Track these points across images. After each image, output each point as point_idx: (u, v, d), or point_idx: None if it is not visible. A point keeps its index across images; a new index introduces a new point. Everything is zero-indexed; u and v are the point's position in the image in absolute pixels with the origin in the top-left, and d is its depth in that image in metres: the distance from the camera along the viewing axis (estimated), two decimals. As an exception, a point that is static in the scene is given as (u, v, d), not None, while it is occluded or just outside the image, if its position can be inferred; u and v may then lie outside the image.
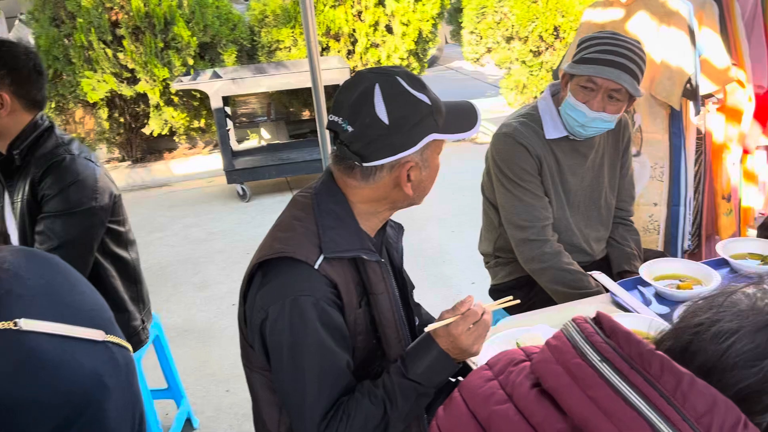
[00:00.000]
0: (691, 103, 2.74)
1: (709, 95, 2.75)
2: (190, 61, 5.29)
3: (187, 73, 5.27)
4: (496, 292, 2.21)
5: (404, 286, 1.48)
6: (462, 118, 1.32)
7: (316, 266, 1.24)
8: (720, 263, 1.77)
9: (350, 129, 1.24)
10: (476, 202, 2.20)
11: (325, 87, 3.24)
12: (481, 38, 6.39)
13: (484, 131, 5.62)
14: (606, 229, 2.11)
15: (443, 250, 4.15)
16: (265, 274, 1.26)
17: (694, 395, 0.69)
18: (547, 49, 5.91)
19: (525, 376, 0.86)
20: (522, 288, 2.10)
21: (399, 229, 1.49)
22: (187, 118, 5.59)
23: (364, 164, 1.25)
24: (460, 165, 4.83)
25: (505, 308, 1.64)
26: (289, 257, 1.23)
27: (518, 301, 1.42)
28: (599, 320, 0.82)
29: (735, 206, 3.01)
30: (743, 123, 2.81)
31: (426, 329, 1.30)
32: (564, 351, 0.81)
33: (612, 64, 1.79)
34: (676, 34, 2.63)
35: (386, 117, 1.22)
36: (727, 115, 2.83)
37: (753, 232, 3.48)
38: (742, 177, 3.06)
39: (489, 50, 6.25)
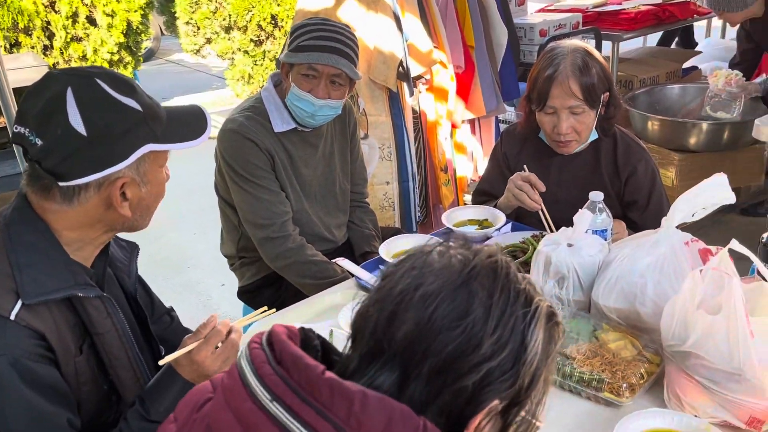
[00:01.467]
0: (405, 85, 2.94)
1: (419, 77, 2.97)
2: None
3: None
4: (245, 294, 2.12)
5: (141, 314, 1.31)
6: (187, 124, 1.17)
7: (12, 317, 1.02)
8: (447, 232, 1.92)
9: (39, 142, 1.04)
10: (216, 201, 2.08)
11: (21, 89, 2.79)
12: (198, 29, 6.13)
13: (216, 125, 5.42)
14: (345, 215, 2.15)
15: (187, 255, 3.92)
16: None
17: (369, 416, 0.67)
18: (267, 38, 5.89)
19: (206, 427, 0.76)
20: (271, 286, 2.05)
21: (131, 248, 1.31)
22: None
23: (62, 184, 1.06)
24: (195, 161, 4.59)
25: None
26: None
27: (272, 312, 1.35)
28: (271, 341, 0.75)
29: (452, 176, 3.33)
30: (449, 101, 3.10)
31: (161, 361, 1.17)
32: (235, 392, 0.73)
33: (329, 49, 1.80)
34: (383, 20, 2.78)
35: (83, 127, 1.04)
36: (435, 95, 3.09)
37: (468, 197, 3.91)
38: (454, 149, 3.39)
39: (209, 41, 6.02)
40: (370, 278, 1.65)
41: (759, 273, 1.16)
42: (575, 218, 1.42)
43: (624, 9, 3.90)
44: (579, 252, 1.41)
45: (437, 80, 3.04)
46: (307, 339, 0.81)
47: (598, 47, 3.73)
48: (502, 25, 3.35)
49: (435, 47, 2.92)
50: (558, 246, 1.43)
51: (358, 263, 1.86)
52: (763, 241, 1.21)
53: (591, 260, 1.40)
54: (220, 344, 1.20)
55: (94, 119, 1.05)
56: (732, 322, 1.06)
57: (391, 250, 1.77)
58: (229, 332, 1.21)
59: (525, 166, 1.90)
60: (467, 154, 3.51)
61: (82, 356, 1.12)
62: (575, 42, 1.84)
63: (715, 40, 5.24)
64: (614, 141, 1.92)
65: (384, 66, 2.83)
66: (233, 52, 6.00)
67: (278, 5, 5.74)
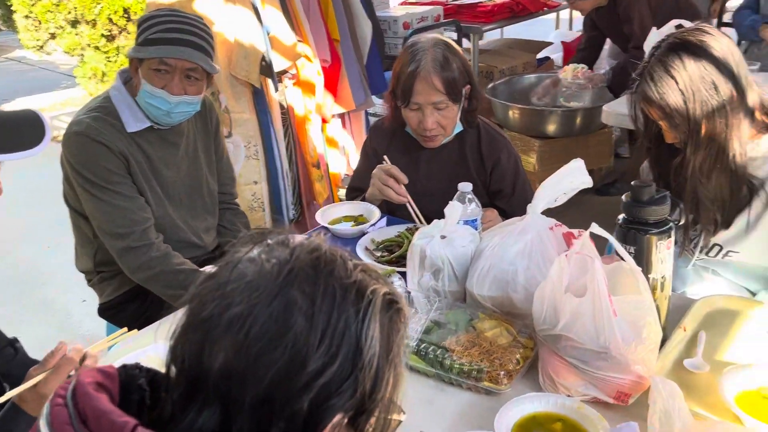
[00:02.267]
0: (269, 80, 2.85)
1: (284, 71, 2.89)
2: None
3: None
4: (106, 311, 1.95)
5: None
6: (19, 132, 1.04)
7: None
8: (323, 230, 1.87)
9: None
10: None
11: None
12: (40, 23, 5.61)
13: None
14: (213, 218, 2.04)
15: (41, 271, 3.58)
16: None
17: None
18: (120, 32, 5.51)
19: None
20: (135, 300, 1.90)
21: None
22: None
23: None
24: (46, 167, 4.19)
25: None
26: None
27: (134, 332, 1.24)
28: (75, 395, 0.65)
29: (324, 172, 3.28)
30: (317, 95, 3.05)
31: (2, 398, 1.03)
32: None
33: (181, 42, 1.69)
34: (242, 12, 2.67)
35: None
36: (302, 89, 3.02)
37: (342, 192, 3.88)
38: (326, 144, 3.34)
39: (53, 36, 5.53)
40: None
41: (616, 252, 1.22)
42: (446, 210, 1.43)
43: (481, 2, 4.05)
44: (452, 243, 1.41)
45: (304, 74, 2.97)
46: (129, 380, 0.70)
47: (460, 39, 3.84)
48: (366, 19, 3.35)
49: (299, 41, 2.86)
50: (432, 238, 1.43)
51: None
52: (619, 222, 1.28)
53: (464, 251, 1.41)
54: (74, 372, 1.08)
55: None
56: (597, 303, 1.10)
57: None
58: (83, 359, 1.09)
59: (386, 158, 1.90)
60: (339, 149, 3.48)
61: None
62: (435, 36, 1.86)
63: (563, 31, 5.58)
64: (478, 132, 1.97)
65: (245, 61, 2.72)
66: (83, 48, 5.56)
67: (129, -3, 5.39)
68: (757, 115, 1.49)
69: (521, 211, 1.86)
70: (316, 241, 0.72)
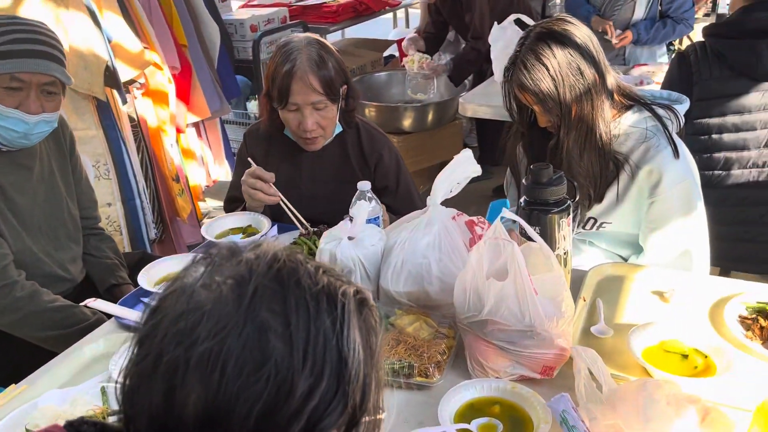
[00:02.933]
0: (115, 92, 2.63)
1: (132, 81, 2.68)
2: None
3: None
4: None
5: None
6: None
7: None
8: (209, 247, 1.75)
9: None
10: None
11: None
12: None
13: None
14: (78, 246, 1.84)
15: None
16: None
17: None
18: None
19: None
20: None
21: None
22: None
23: None
24: None
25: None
26: None
27: (23, 388, 1.07)
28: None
29: (185, 185, 3.10)
30: (170, 104, 2.86)
31: None
32: None
33: (33, 54, 1.50)
34: (78, 17, 2.43)
35: None
36: (153, 99, 2.82)
37: (205, 205, 3.70)
38: (182, 156, 3.16)
39: None
40: (134, 315, 1.42)
41: (523, 234, 1.27)
42: (353, 211, 1.40)
43: (325, 2, 4.05)
44: (361, 243, 1.39)
45: (153, 83, 2.78)
46: None
47: (308, 41, 3.82)
48: (213, 22, 3.22)
49: (146, 47, 2.66)
50: (340, 241, 1.40)
51: (109, 300, 1.60)
52: (522, 205, 1.34)
53: (374, 249, 1.40)
54: None
55: None
56: (519, 284, 1.14)
57: (152, 277, 1.55)
58: None
59: (250, 160, 1.83)
60: (197, 160, 3.32)
61: None
62: (308, 35, 1.82)
63: (401, 30, 5.76)
64: (357, 131, 1.96)
65: (86, 72, 2.48)
66: None
67: None
68: (616, 96, 1.63)
69: (407, 205, 1.90)
70: (269, 249, 0.65)
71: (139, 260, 2.05)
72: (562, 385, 1.19)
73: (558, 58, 1.51)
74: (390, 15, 5.69)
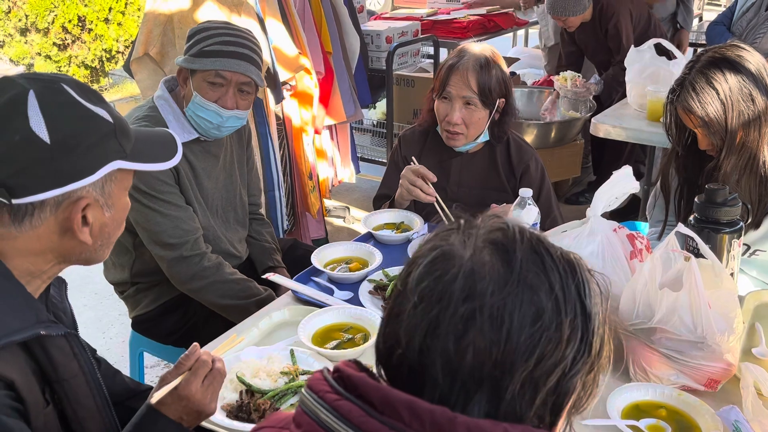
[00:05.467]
0: (268, 91, 2.84)
1: (284, 83, 2.89)
2: None
3: None
4: (142, 324, 1.89)
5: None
6: (157, 146, 1.04)
7: None
8: (366, 238, 1.89)
9: None
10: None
11: None
12: (-14, 31, 5.34)
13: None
14: (245, 229, 2.02)
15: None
16: None
17: None
18: (74, 41, 5.31)
19: None
20: (175, 312, 1.85)
21: (59, 283, 1.10)
22: None
23: (15, 201, 0.88)
24: None
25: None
26: None
27: (242, 339, 1.23)
28: (344, 378, 0.68)
29: (316, 183, 3.29)
30: (314, 106, 3.06)
31: (150, 401, 1.01)
32: None
33: (237, 55, 1.68)
34: (249, 23, 2.66)
35: (46, 133, 0.88)
36: (299, 100, 3.03)
37: (329, 203, 3.89)
38: (316, 155, 3.35)
39: (1, 44, 5.26)
40: (310, 291, 1.57)
41: (691, 250, 1.32)
42: (523, 214, 1.49)
43: (456, 18, 4.17)
44: (527, 246, 1.47)
45: (301, 86, 2.98)
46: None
47: (437, 53, 3.95)
48: (355, 32, 3.40)
49: (299, 53, 2.87)
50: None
51: (260, 281, 1.78)
52: (692, 222, 1.38)
53: (538, 253, 1.47)
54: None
55: (60, 126, 0.90)
56: (693, 296, 1.19)
57: (323, 259, 1.70)
58: (214, 362, 1.08)
59: (414, 159, 1.95)
60: (327, 160, 3.50)
61: (49, 407, 0.93)
62: (484, 46, 1.94)
63: (519, 48, 5.81)
64: (507, 141, 2.05)
65: (250, 71, 2.70)
66: (32, 57, 5.32)
67: (86, 5, 5.20)
68: (784, 125, 1.63)
69: (546, 215, 1.97)
70: (505, 224, 0.74)
71: (290, 246, 2.22)
72: (725, 399, 1.22)
73: (730, 84, 1.54)
74: (511, 33, 5.74)
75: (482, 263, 0.70)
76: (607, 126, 2.92)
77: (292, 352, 1.33)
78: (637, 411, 1.20)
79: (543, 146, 3.77)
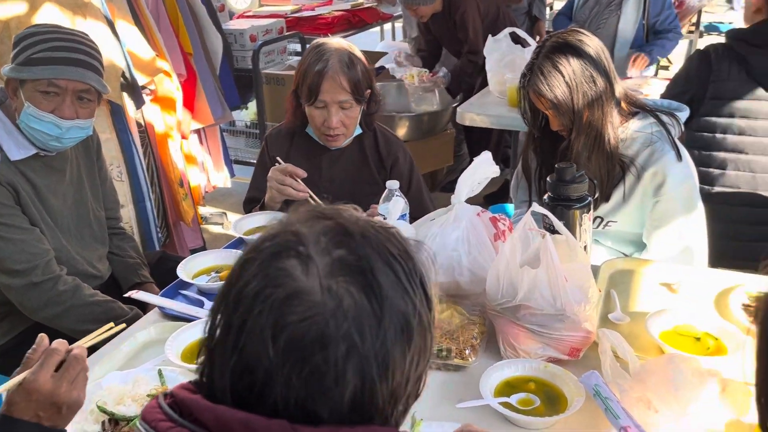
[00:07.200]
0: (126, 97, 2.68)
1: (143, 87, 2.74)
2: None
3: None
4: (-3, 359, 1.72)
5: None
6: None
7: None
8: (237, 244, 1.83)
9: None
10: None
11: None
12: None
13: None
14: (104, 245, 1.89)
15: None
16: None
17: None
18: None
19: None
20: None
21: None
22: None
23: None
24: None
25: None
26: None
27: (121, 327, 1.17)
28: (179, 403, 0.64)
29: (188, 190, 3.16)
30: (177, 111, 2.93)
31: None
32: None
33: (71, 61, 1.57)
34: (96, 25, 2.49)
35: None
36: (161, 105, 2.89)
37: (204, 210, 3.75)
38: (185, 161, 3.21)
39: None
40: (178, 306, 1.49)
41: (547, 227, 1.38)
42: (390, 206, 1.50)
43: (320, 14, 4.15)
44: (396, 238, 1.48)
45: (162, 90, 2.84)
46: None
47: (303, 50, 3.92)
48: (216, 32, 3.29)
49: (156, 55, 2.73)
50: (375, 236, 1.49)
51: (123, 300, 1.68)
52: (546, 201, 1.44)
53: (407, 244, 1.49)
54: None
55: None
56: (551, 272, 1.25)
57: (191, 270, 1.62)
58: (70, 351, 1.01)
59: (278, 158, 1.91)
60: (198, 165, 3.37)
61: None
62: (340, 41, 1.92)
63: (388, 42, 5.88)
64: (375, 135, 2.06)
65: (105, 77, 2.53)
66: None
67: None
68: (623, 104, 1.75)
69: (417, 205, 2.00)
70: (360, 229, 0.69)
71: (159, 259, 2.11)
72: (588, 366, 1.29)
73: (573, 67, 1.63)
74: (378, 28, 5.81)
75: (340, 300, 0.63)
76: (472, 114, 3.02)
77: (160, 372, 1.26)
78: (508, 387, 1.24)
79: (415, 137, 3.85)
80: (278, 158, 1.91)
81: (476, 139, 4.06)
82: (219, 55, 3.33)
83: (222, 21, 3.71)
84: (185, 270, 1.60)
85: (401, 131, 3.78)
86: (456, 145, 4.50)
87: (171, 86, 2.84)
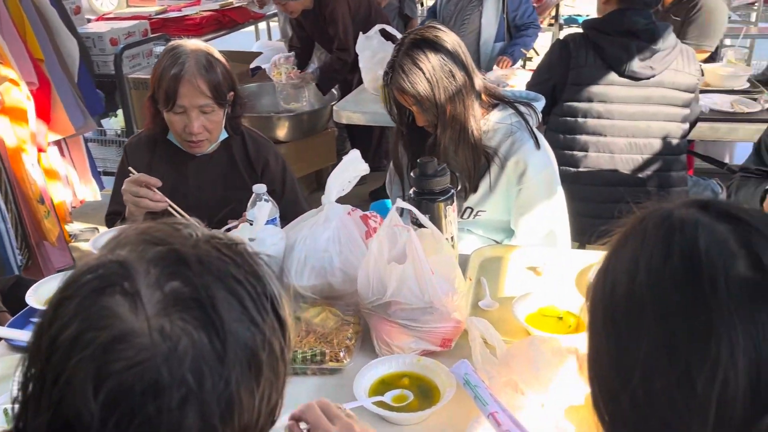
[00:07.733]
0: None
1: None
2: None
3: None
4: None
5: None
6: None
7: None
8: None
9: None
10: None
11: None
12: None
13: None
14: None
15: None
16: None
17: None
18: None
19: None
20: None
21: None
22: None
23: None
24: None
25: None
26: None
27: None
28: None
29: (50, 207, 2.93)
30: (30, 122, 2.71)
31: None
32: None
33: None
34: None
35: None
36: (10, 117, 2.66)
37: (72, 227, 3.51)
38: (45, 176, 2.99)
39: None
40: (25, 336, 1.37)
41: (414, 222, 1.39)
42: (255, 212, 1.45)
43: (188, 15, 4.00)
44: (263, 243, 1.44)
45: (9, 100, 2.62)
46: None
47: (172, 53, 3.75)
48: (71, 36, 3.08)
49: (1, 63, 2.51)
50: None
51: None
52: (411, 196, 1.45)
53: (276, 248, 1.45)
54: None
55: None
56: (417, 266, 1.25)
57: (42, 295, 1.50)
58: None
59: (131, 169, 1.80)
60: (61, 179, 3.15)
61: None
62: (197, 42, 1.84)
63: (263, 42, 5.78)
64: (243, 138, 2.00)
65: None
66: None
67: None
68: (484, 96, 1.80)
69: (293, 208, 1.97)
70: (195, 252, 0.63)
71: (13, 285, 1.94)
72: (460, 355, 1.31)
73: (432, 62, 1.66)
74: (252, 27, 5.69)
75: (175, 342, 0.57)
76: (348, 112, 3.02)
77: (6, 411, 1.14)
78: (382, 385, 1.24)
79: (296, 137, 3.80)
80: (130, 168, 1.80)
81: (359, 137, 4.07)
82: (76, 61, 3.11)
83: (78, 24, 3.48)
84: (36, 296, 1.47)
85: (281, 132, 3.72)
86: (340, 143, 4.49)
87: (20, 95, 2.62)
